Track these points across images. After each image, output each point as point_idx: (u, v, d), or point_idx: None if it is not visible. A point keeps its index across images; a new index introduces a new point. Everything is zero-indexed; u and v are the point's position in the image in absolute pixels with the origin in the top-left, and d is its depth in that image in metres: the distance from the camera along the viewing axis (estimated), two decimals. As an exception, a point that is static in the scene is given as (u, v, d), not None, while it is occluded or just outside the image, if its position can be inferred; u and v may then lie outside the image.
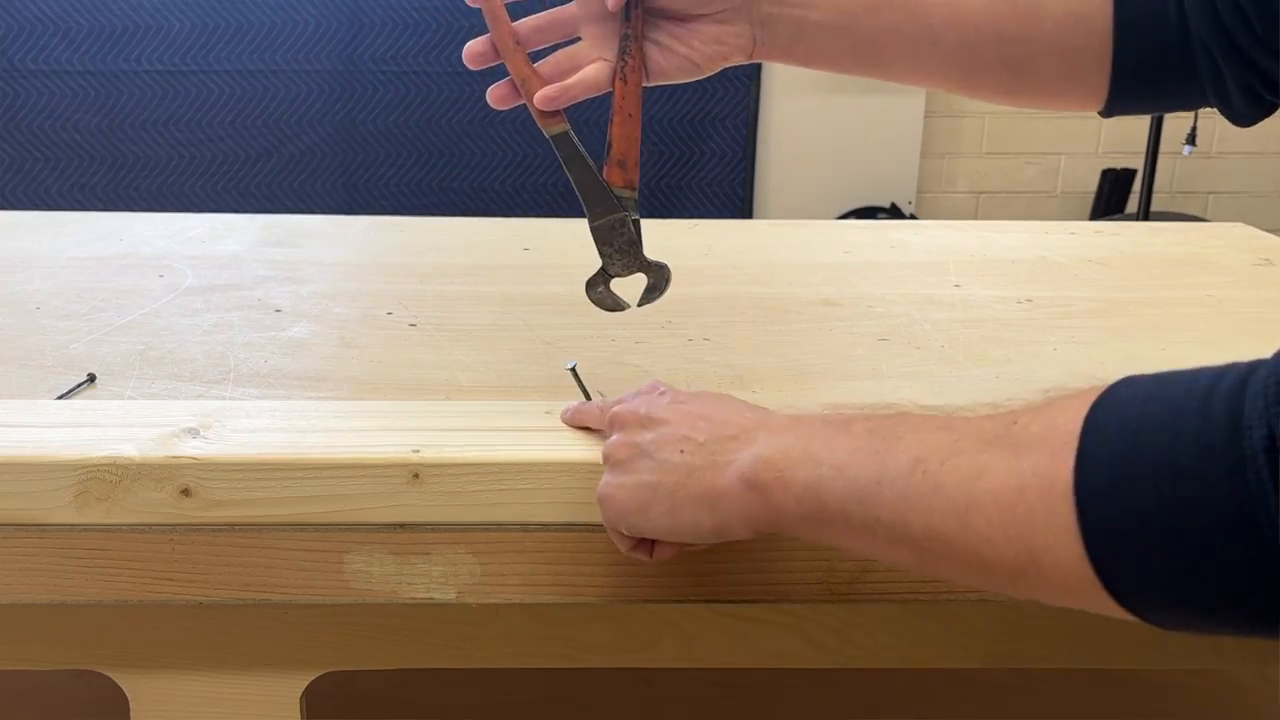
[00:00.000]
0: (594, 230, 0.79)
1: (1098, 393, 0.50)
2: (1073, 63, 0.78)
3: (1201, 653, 0.79)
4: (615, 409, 0.69)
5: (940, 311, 1.08)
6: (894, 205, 3.26)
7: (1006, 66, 0.79)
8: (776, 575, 0.73)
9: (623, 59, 0.77)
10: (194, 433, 0.73)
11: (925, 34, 0.78)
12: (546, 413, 0.78)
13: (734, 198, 3.17)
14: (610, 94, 0.78)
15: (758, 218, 3.19)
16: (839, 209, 3.24)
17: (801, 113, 3.16)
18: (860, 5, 0.78)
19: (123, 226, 1.32)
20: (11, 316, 1.02)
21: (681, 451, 0.63)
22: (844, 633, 0.78)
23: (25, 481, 0.70)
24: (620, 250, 0.80)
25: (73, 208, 2.94)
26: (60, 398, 0.83)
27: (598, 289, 0.81)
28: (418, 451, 0.71)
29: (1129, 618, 0.50)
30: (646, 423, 0.66)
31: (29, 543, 0.71)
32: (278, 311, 1.05)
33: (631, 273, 0.80)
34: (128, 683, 0.77)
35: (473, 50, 0.78)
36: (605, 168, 0.79)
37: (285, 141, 3.02)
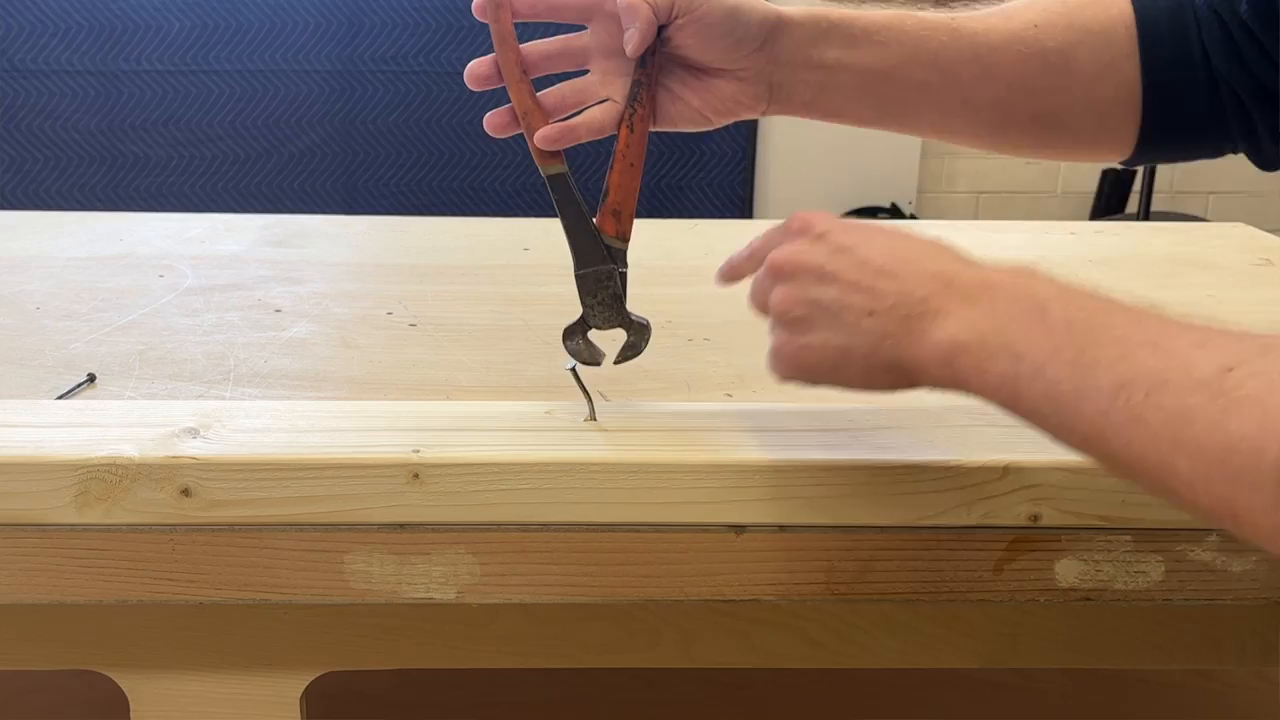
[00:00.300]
0: (578, 279, 0.77)
1: None
2: (1103, 114, 0.77)
3: (1201, 653, 0.79)
4: (778, 256, 0.67)
5: (940, 311, 1.07)
6: (894, 205, 3.26)
7: (1036, 120, 0.78)
8: (776, 575, 0.73)
9: (632, 106, 0.75)
10: (194, 433, 0.73)
11: (954, 90, 0.77)
12: (546, 413, 0.78)
13: (734, 198, 3.17)
14: (613, 137, 0.76)
15: (758, 218, 3.19)
16: (839, 209, 3.24)
17: (801, 113, 3.16)
18: (888, 64, 0.76)
19: (123, 226, 1.32)
20: (11, 316, 1.02)
21: (871, 314, 0.62)
22: (844, 633, 0.78)
23: (25, 481, 0.70)
24: (604, 303, 0.77)
25: (73, 208, 2.94)
26: (60, 398, 0.83)
27: (575, 340, 0.78)
28: (418, 451, 0.71)
29: None
30: (823, 277, 0.64)
31: (29, 543, 0.71)
32: (278, 311, 1.05)
33: (612, 327, 0.78)
34: (128, 683, 0.77)
35: (476, 71, 0.76)
36: (599, 214, 0.76)
37: (285, 141, 3.02)
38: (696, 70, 0.76)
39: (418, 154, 3.06)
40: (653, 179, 3.10)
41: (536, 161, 0.76)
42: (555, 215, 0.76)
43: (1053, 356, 0.56)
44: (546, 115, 0.76)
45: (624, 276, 0.77)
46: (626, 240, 0.77)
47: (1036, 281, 0.60)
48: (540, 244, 1.28)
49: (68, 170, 3.00)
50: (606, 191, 0.76)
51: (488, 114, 0.76)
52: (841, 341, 0.64)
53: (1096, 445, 0.55)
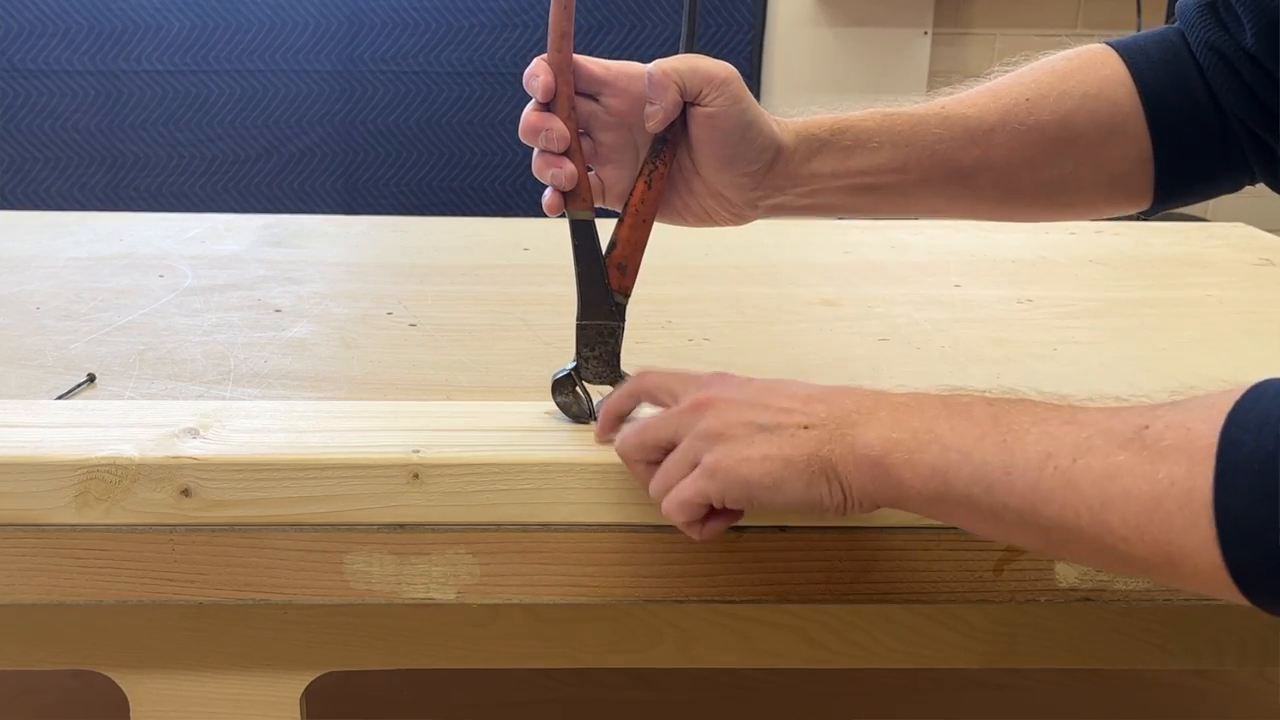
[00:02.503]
0: (580, 328, 0.76)
1: (1230, 402, 0.51)
2: (1113, 174, 0.77)
3: (1201, 653, 0.79)
4: (700, 396, 0.66)
5: (940, 311, 1.08)
6: (894, 205, 3.26)
7: (1044, 189, 0.78)
8: (776, 575, 0.73)
9: (653, 163, 0.75)
10: (194, 433, 0.73)
11: (954, 178, 0.77)
12: (546, 413, 0.78)
13: (734, 198, 3.17)
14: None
15: (758, 218, 3.19)
16: (839, 209, 3.23)
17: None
18: (885, 167, 0.76)
19: (123, 226, 1.32)
20: (11, 316, 1.02)
21: (806, 427, 0.62)
22: (844, 633, 0.78)
23: (25, 481, 0.70)
24: (600, 358, 0.77)
25: (73, 208, 2.94)
26: (60, 398, 0.83)
27: (565, 394, 0.77)
28: (418, 452, 0.71)
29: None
30: (756, 406, 0.64)
31: (29, 543, 0.71)
32: (278, 311, 1.05)
33: (602, 383, 0.77)
34: (128, 683, 0.77)
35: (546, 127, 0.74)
36: (604, 265, 0.76)
37: (285, 141, 3.02)
38: (689, 169, 0.76)
39: (418, 154, 3.05)
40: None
41: (566, 205, 0.75)
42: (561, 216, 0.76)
43: (979, 441, 0.58)
44: (587, 179, 0.75)
45: (622, 331, 0.77)
46: (628, 296, 0.77)
47: (965, 396, 0.62)
48: (540, 244, 1.28)
49: (68, 170, 3.00)
50: (614, 244, 0.76)
51: (545, 195, 0.76)
52: (782, 453, 0.63)
53: (1029, 519, 0.56)
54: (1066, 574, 0.73)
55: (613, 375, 0.77)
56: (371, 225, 1.39)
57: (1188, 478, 0.50)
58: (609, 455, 0.72)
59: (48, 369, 0.89)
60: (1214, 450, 0.50)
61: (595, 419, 0.77)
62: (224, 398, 0.85)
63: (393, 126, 3.03)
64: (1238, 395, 0.51)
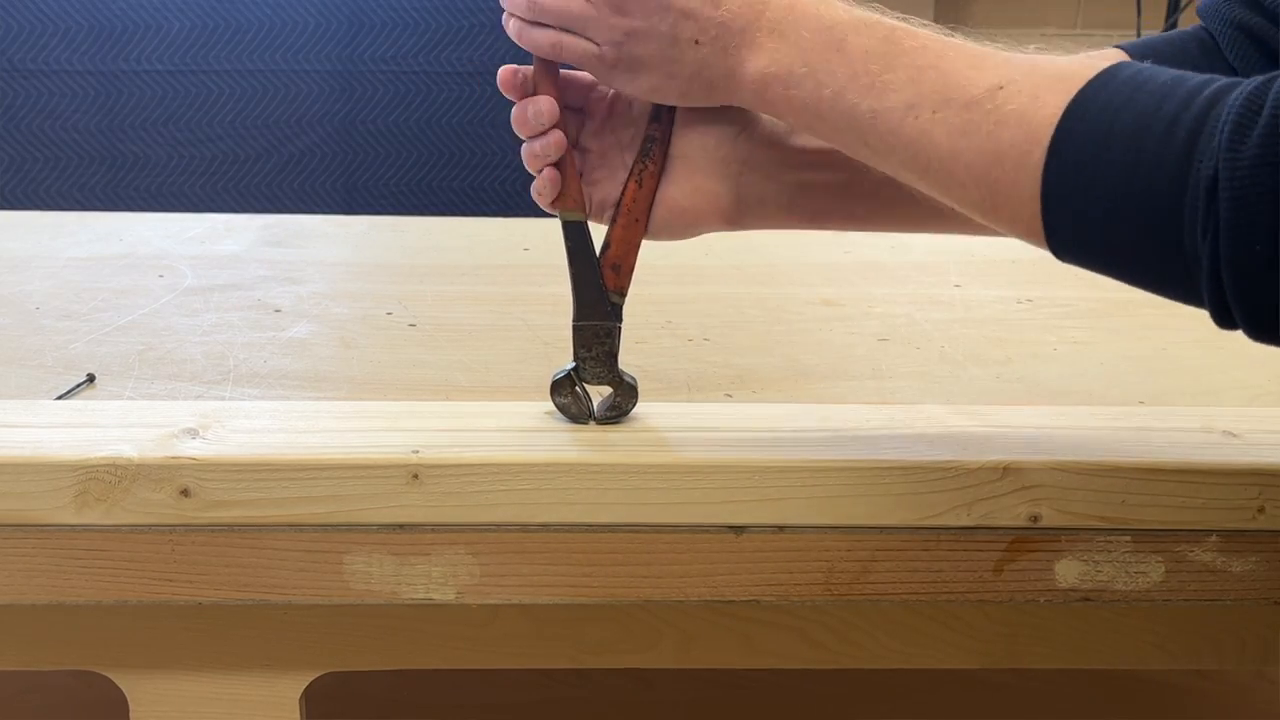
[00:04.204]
0: (576, 329, 0.76)
1: (1082, 80, 0.57)
2: None
3: (1201, 653, 0.79)
4: None
5: (940, 311, 1.08)
6: (894, 205, 3.26)
7: None
8: (776, 575, 0.73)
9: (643, 161, 0.75)
10: (193, 433, 0.73)
11: None
12: (546, 413, 0.78)
13: (734, 198, 3.17)
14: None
15: (758, 218, 3.18)
16: (839, 209, 3.23)
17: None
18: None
19: (123, 226, 1.32)
20: (11, 316, 1.02)
21: (696, 44, 0.68)
22: (844, 633, 0.78)
23: (25, 482, 0.70)
24: (597, 359, 0.76)
25: (73, 208, 2.93)
26: (60, 398, 0.83)
27: (564, 394, 0.77)
28: (418, 452, 0.71)
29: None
30: (662, 7, 0.68)
31: (29, 543, 0.71)
32: (278, 311, 1.05)
33: (601, 383, 0.77)
34: (127, 683, 0.77)
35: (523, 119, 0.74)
36: (599, 266, 0.76)
37: (285, 141, 3.02)
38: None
39: (418, 154, 3.05)
40: (653, 179, 3.09)
41: (560, 207, 0.75)
42: (554, 216, 0.76)
43: (850, 82, 0.63)
44: (579, 184, 0.75)
45: (619, 331, 0.77)
46: (624, 295, 0.76)
47: (836, 9, 0.66)
48: (540, 244, 1.28)
49: (68, 170, 3.00)
50: (607, 244, 0.76)
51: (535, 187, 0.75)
52: (668, 70, 0.69)
53: (888, 157, 0.64)
54: (1066, 574, 0.73)
55: (611, 375, 0.77)
56: (371, 225, 1.39)
57: (1026, 143, 0.57)
58: (609, 455, 0.72)
59: (47, 369, 0.89)
60: (1054, 125, 0.57)
61: (595, 419, 0.77)
62: (223, 398, 0.85)
63: (393, 126, 3.03)
64: (1090, 75, 0.57)
